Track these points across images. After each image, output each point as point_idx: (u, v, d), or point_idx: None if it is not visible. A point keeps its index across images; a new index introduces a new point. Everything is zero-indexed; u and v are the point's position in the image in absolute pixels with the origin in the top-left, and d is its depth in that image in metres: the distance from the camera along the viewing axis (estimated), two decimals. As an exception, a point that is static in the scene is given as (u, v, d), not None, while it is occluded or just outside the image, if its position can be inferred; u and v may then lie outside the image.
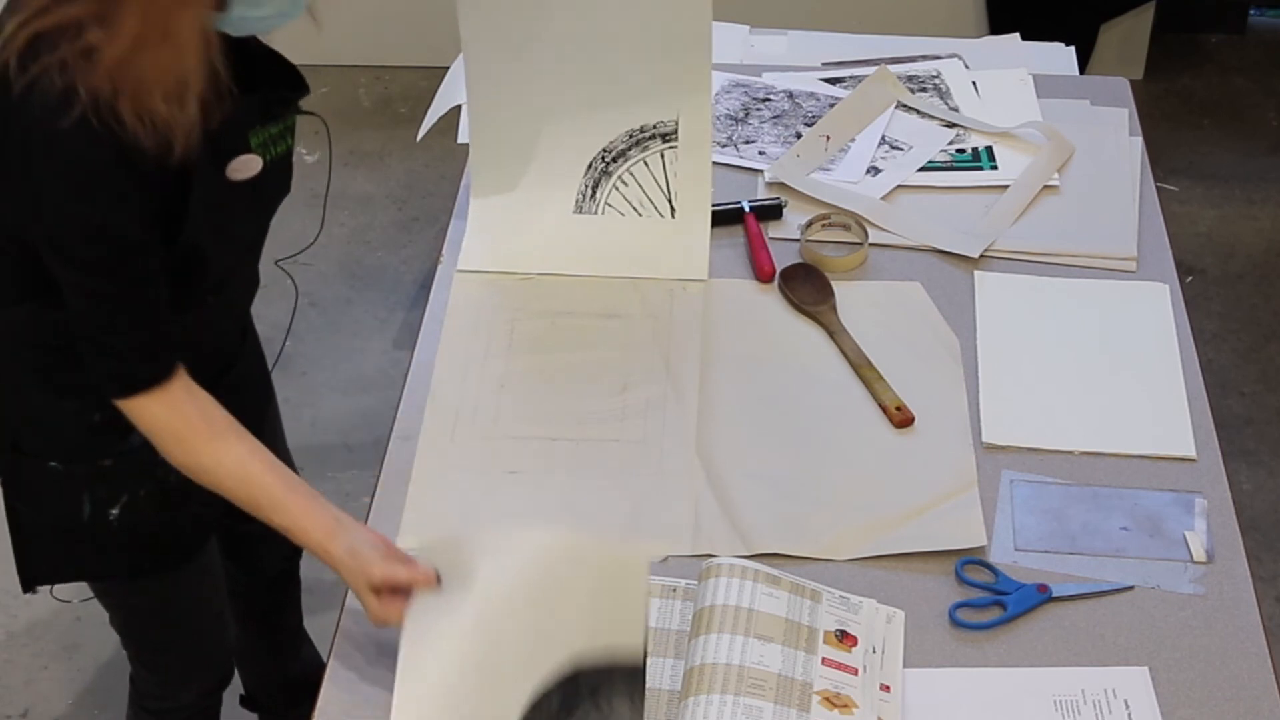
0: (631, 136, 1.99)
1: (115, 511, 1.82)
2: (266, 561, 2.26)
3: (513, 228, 1.97)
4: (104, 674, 2.77)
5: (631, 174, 1.96)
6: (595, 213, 1.93)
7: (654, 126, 1.99)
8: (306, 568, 2.37)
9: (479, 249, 2.00)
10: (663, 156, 1.97)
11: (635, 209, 1.93)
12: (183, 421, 1.67)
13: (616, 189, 1.94)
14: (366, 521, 1.82)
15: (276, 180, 1.76)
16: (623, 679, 1.57)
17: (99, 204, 1.54)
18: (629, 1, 2.05)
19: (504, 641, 1.56)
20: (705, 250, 2.00)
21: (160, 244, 1.61)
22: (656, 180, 1.93)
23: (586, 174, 1.93)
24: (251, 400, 1.99)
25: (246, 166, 1.67)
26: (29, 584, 1.92)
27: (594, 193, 1.92)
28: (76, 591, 1.98)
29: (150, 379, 1.64)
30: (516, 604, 1.59)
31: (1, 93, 1.51)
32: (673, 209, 1.96)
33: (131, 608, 2.00)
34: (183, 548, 1.93)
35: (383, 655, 1.67)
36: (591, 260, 1.93)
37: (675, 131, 2.00)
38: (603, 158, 1.95)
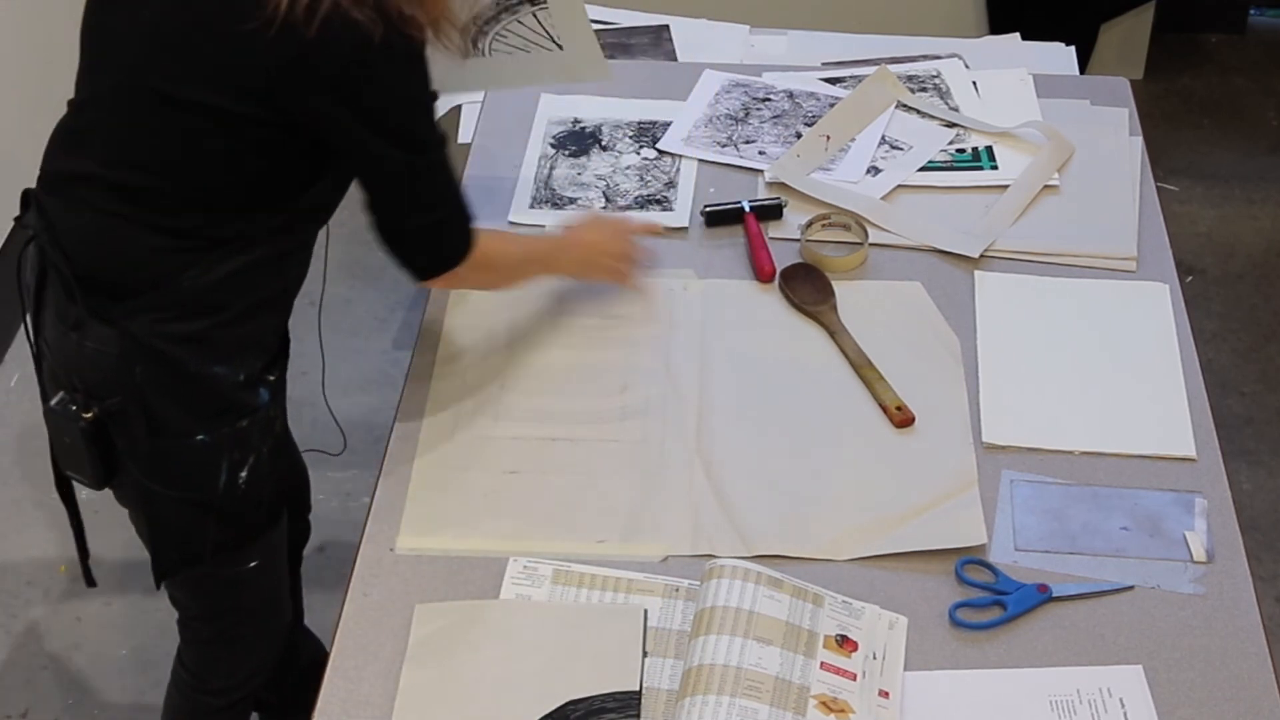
0: (499, 3, 2.04)
1: (244, 474, 1.88)
2: (293, 529, 2.28)
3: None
4: (104, 674, 2.77)
5: (508, 30, 2.03)
6: (484, 55, 2.01)
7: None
8: (305, 569, 2.37)
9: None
10: (535, 16, 2.03)
11: (521, 50, 2.02)
12: (484, 232, 1.90)
13: (498, 40, 2.00)
14: (366, 522, 1.82)
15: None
16: (613, 708, 1.58)
17: (429, 84, 1.75)
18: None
19: (501, 697, 1.60)
20: (597, 49, 2.10)
21: None
22: (535, 31, 2.01)
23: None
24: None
25: None
26: (163, 574, 1.96)
27: (475, 45, 1.99)
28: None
29: (473, 221, 1.87)
30: (516, 665, 1.63)
31: (290, 41, 1.64)
32: (559, 45, 2.06)
33: (226, 582, 2.02)
34: (278, 509, 2.01)
35: (383, 655, 1.67)
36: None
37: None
38: (474, 23, 2.02)
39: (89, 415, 1.81)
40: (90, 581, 2.09)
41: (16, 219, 1.87)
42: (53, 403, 1.84)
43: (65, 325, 1.81)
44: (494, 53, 2.04)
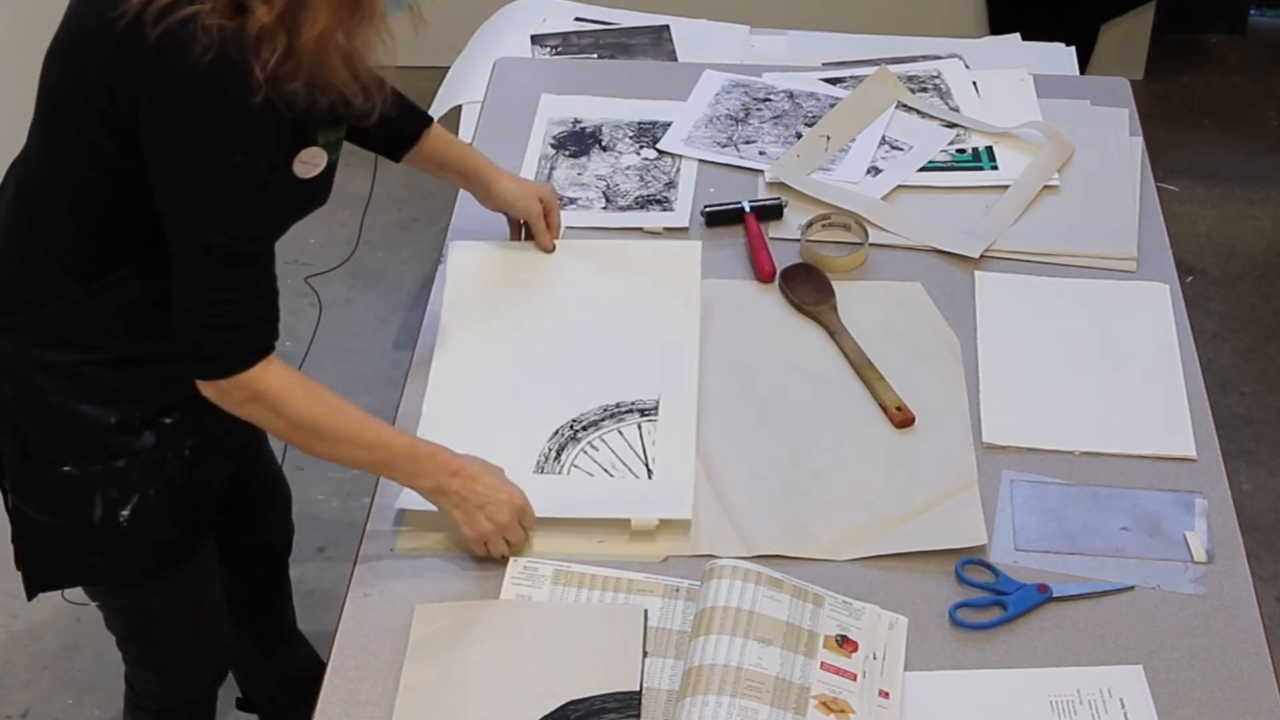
0: (606, 410, 1.97)
1: (125, 513, 1.82)
2: (258, 564, 2.28)
3: None
4: (104, 674, 2.77)
5: (604, 440, 1.93)
6: (559, 474, 1.89)
7: (632, 403, 1.98)
8: (304, 569, 2.37)
9: (421, 502, 1.81)
10: (640, 428, 1.94)
11: (605, 470, 1.90)
12: (297, 376, 1.71)
13: (585, 453, 1.90)
14: (366, 522, 1.82)
15: (323, 188, 1.80)
16: (613, 708, 1.58)
17: (247, 145, 1.58)
18: (621, 287, 2.11)
19: (501, 698, 1.60)
20: (689, 493, 1.83)
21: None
22: (631, 446, 1.90)
23: (552, 439, 1.91)
24: None
25: (313, 160, 1.71)
26: (34, 590, 1.91)
27: (559, 455, 1.90)
28: (80, 593, 1.98)
29: (270, 343, 1.68)
30: (516, 665, 1.63)
31: (135, 39, 1.54)
32: (649, 471, 1.86)
33: (133, 609, 2.00)
34: (185, 547, 1.94)
35: (383, 655, 1.67)
36: (554, 513, 1.84)
37: (655, 409, 1.94)
38: (571, 425, 1.93)
39: None
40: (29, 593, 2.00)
41: None
42: None
43: None
44: (574, 470, 1.86)
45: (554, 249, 2.17)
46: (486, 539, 1.75)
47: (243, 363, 1.67)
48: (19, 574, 1.91)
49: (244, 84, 1.54)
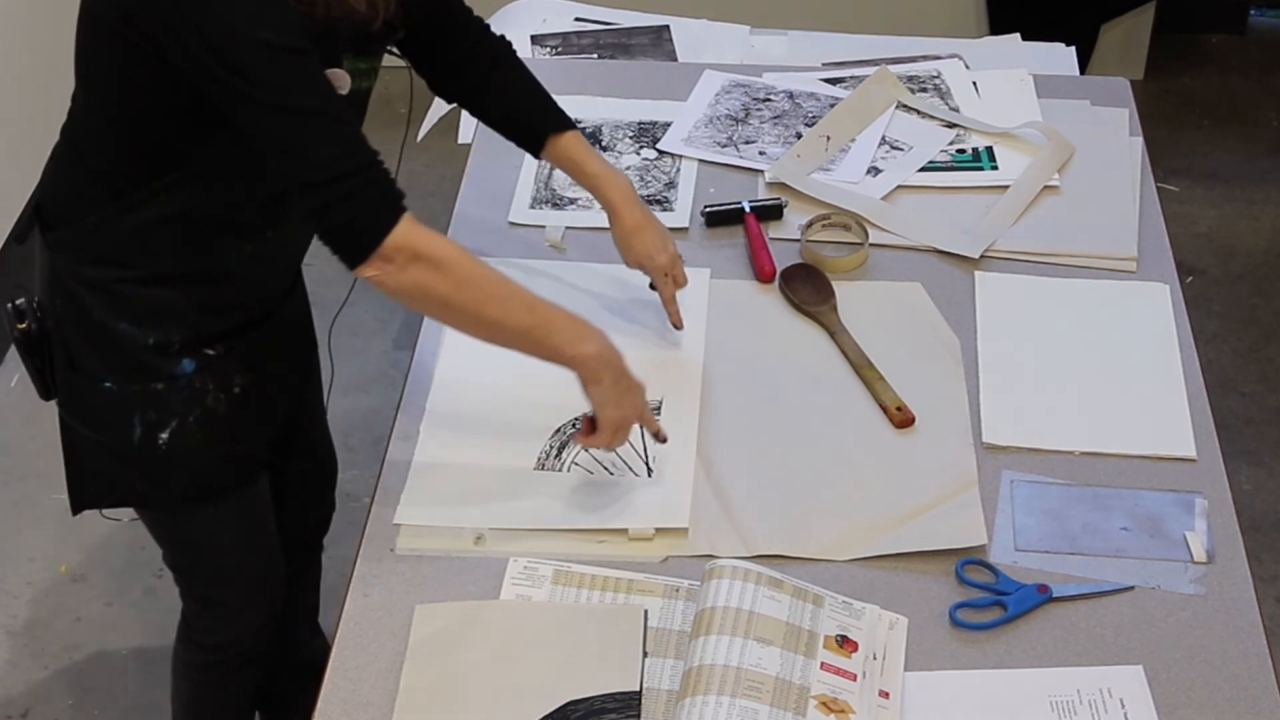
0: None
1: (164, 436, 1.86)
2: (296, 527, 2.28)
3: (461, 481, 1.92)
4: (104, 674, 2.77)
5: None
6: (560, 470, 1.90)
7: None
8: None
9: (420, 502, 1.84)
10: (641, 428, 1.93)
11: (606, 468, 1.91)
12: (440, 235, 1.68)
13: (586, 451, 1.91)
14: (366, 522, 1.82)
15: (353, 112, 1.81)
16: (613, 708, 1.58)
17: (269, 19, 1.57)
18: (627, 291, 2.11)
19: (501, 698, 1.60)
20: (687, 499, 1.83)
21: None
22: (632, 444, 1.90)
23: (553, 436, 1.92)
24: (300, 342, 2.10)
25: (337, 81, 1.71)
26: (79, 506, 1.97)
27: (559, 453, 1.90)
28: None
29: (402, 196, 1.66)
30: (516, 665, 1.63)
31: None
32: (649, 470, 1.87)
33: (179, 539, 2.04)
34: (226, 481, 1.98)
35: (383, 655, 1.67)
36: (552, 514, 1.81)
37: (658, 409, 1.94)
38: (574, 424, 1.93)
39: (22, 326, 1.87)
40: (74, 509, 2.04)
41: None
42: (9, 304, 1.89)
43: (15, 236, 1.89)
44: (574, 468, 1.87)
45: (681, 326, 2.06)
46: (622, 425, 1.75)
47: (391, 218, 1.64)
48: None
49: None
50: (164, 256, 1.80)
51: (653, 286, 2.07)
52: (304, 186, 1.63)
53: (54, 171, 1.85)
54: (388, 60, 1.95)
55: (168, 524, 2.03)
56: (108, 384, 1.85)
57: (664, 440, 1.84)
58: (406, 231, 1.65)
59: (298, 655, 2.43)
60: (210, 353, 1.86)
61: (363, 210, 1.64)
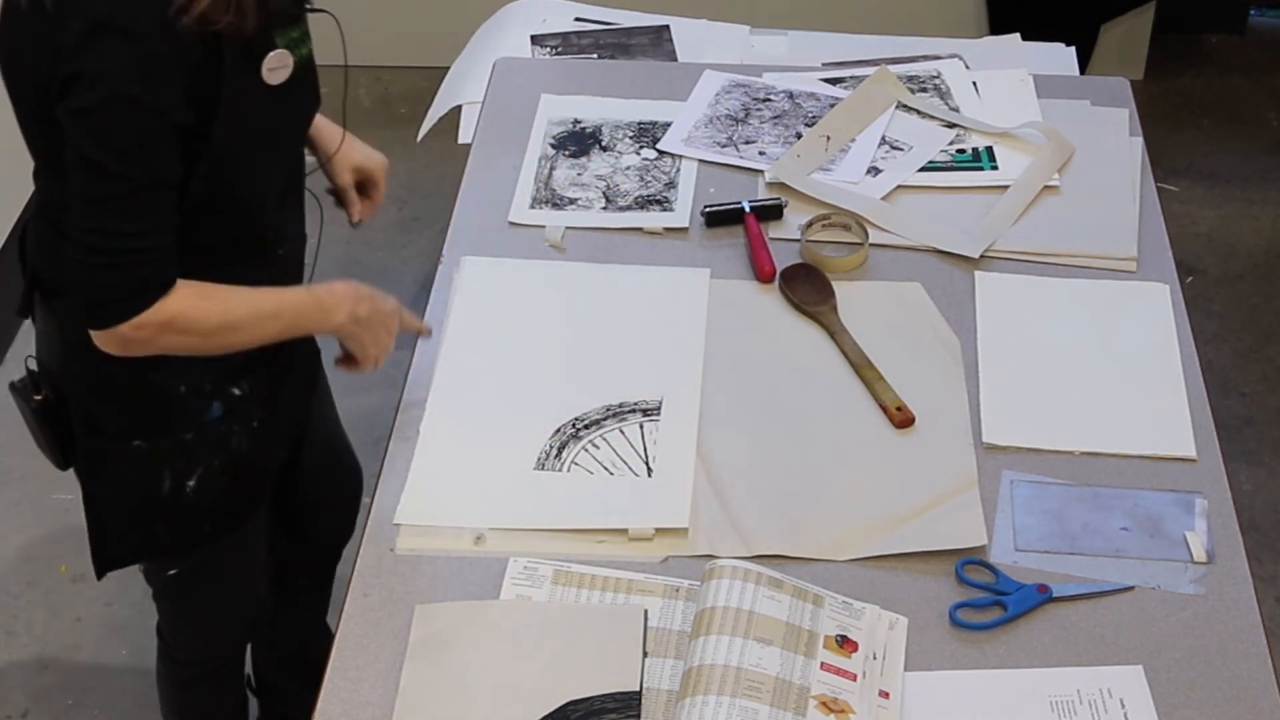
0: (609, 410, 1.97)
1: (192, 484, 1.87)
2: (322, 533, 2.30)
3: (461, 481, 1.94)
4: (104, 674, 2.77)
5: (605, 439, 1.94)
6: (559, 470, 1.89)
7: (635, 404, 1.98)
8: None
9: (420, 502, 1.84)
10: (641, 428, 1.95)
11: (605, 468, 1.90)
12: (189, 288, 1.69)
13: (586, 450, 1.91)
14: (366, 522, 1.83)
15: (307, 86, 1.80)
16: (613, 708, 1.58)
17: (149, 78, 1.56)
18: (630, 298, 2.12)
19: (501, 698, 1.60)
20: (687, 499, 1.83)
21: (191, 138, 1.63)
22: (632, 445, 1.92)
23: (553, 436, 1.92)
24: (307, 355, 2.07)
25: (280, 64, 1.70)
26: (104, 568, 1.96)
27: (559, 453, 1.91)
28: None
29: (173, 277, 1.66)
30: (516, 665, 1.63)
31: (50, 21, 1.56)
32: (649, 470, 1.87)
33: (185, 574, 2.03)
34: (241, 516, 1.98)
35: (383, 655, 1.67)
36: (552, 513, 1.81)
37: (658, 409, 1.95)
38: (573, 424, 1.94)
39: (38, 398, 1.85)
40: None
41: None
42: (16, 380, 1.88)
43: (25, 308, 1.87)
44: (574, 468, 1.87)
45: (359, 221, 2.12)
46: (381, 357, 1.88)
47: (152, 297, 1.64)
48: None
49: (149, 18, 1.55)
50: None
51: (334, 193, 2.09)
52: (84, 238, 1.62)
53: (44, 246, 1.80)
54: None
55: (176, 565, 2.01)
56: (136, 442, 1.84)
57: (428, 334, 1.98)
58: (160, 306, 1.65)
59: (306, 655, 2.42)
60: (236, 392, 1.86)
61: (123, 286, 1.64)
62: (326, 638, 2.44)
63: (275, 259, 1.86)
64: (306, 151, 1.96)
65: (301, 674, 2.43)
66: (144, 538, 1.93)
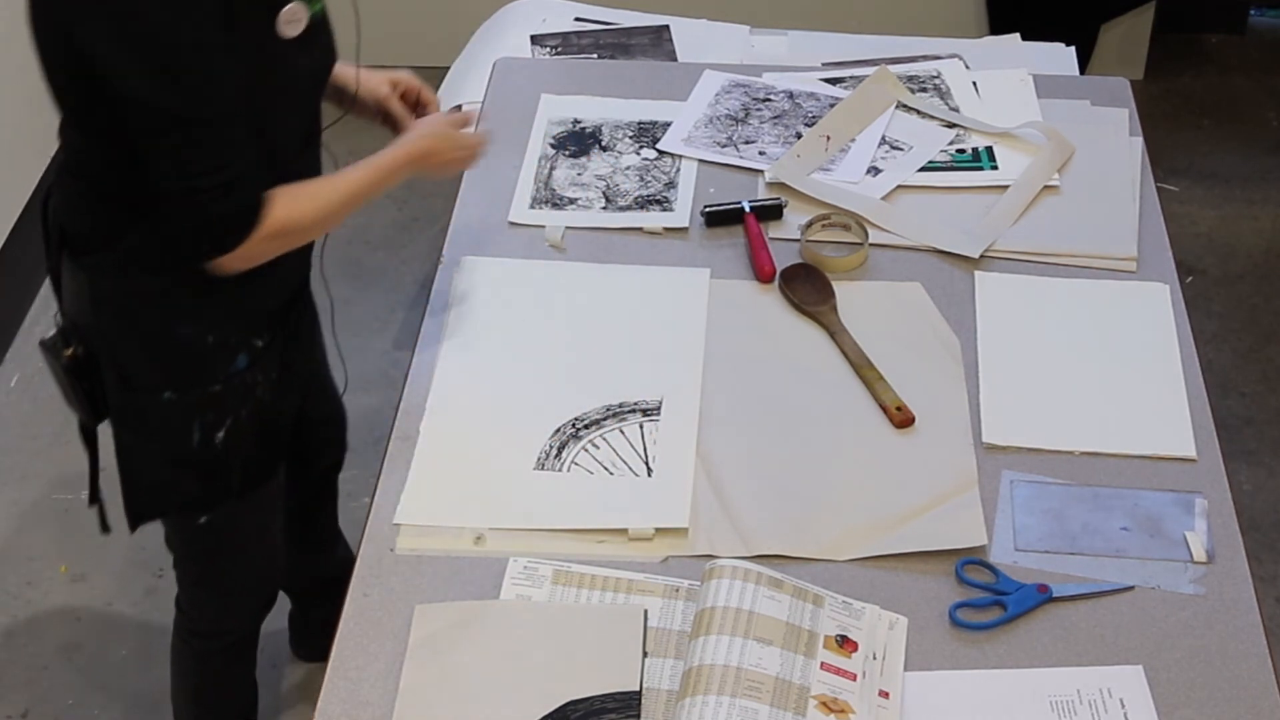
0: (609, 410, 1.97)
1: (220, 435, 1.92)
2: (320, 455, 2.38)
3: (461, 481, 1.89)
4: (104, 674, 2.77)
5: (605, 439, 1.94)
6: (559, 470, 1.88)
7: (635, 404, 1.99)
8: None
9: (420, 502, 1.84)
10: (641, 428, 1.95)
11: (605, 468, 1.88)
12: (286, 194, 1.80)
13: (586, 450, 1.92)
14: (366, 522, 1.82)
15: (323, 41, 1.87)
16: (613, 708, 1.58)
17: (172, 5, 1.63)
18: (630, 298, 2.12)
19: (501, 698, 1.61)
20: (687, 499, 1.84)
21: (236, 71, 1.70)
22: (632, 445, 1.92)
23: (553, 436, 1.92)
24: (309, 305, 2.16)
25: (294, 18, 1.76)
26: (137, 520, 2.00)
27: (559, 452, 1.91)
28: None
29: (265, 192, 1.76)
30: (516, 665, 1.63)
31: None
32: (649, 470, 1.87)
33: (206, 530, 2.06)
34: (268, 469, 2.04)
35: (383, 655, 1.67)
36: (552, 513, 1.82)
37: (658, 409, 1.95)
38: (573, 424, 1.94)
39: (69, 353, 1.88)
40: (104, 528, 2.11)
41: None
42: (45, 337, 1.92)
43: (54, 267, 1.90)
44: (574, 468, 1.88)
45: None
46: (465, 165, 2.06)
47: (254, 221, 1.75)
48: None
49: None
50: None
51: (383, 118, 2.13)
52: (177, 183, 1.71)
53: (71, 203, 1.85)
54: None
55: (208, 521, 2.04)
56: (167, 394, 1.88)
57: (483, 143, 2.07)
58: (267, 220, 1.77)
59: (323, 567, 2.51)
60: (258, 344, 1.92)
61: (230, 216, 1.75)
62: (342, 549, 2.56)
63: None
64: (328, 106, 2.03)
65: (322, 586, 2.52)
66: (175, 490, 1.98)
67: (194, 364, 1.88)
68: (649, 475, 1.87)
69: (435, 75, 3.33)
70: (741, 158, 2.40)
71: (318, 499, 2.48)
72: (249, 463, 2.00)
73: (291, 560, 2.45)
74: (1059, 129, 2.41)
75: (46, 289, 3.56)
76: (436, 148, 1.97)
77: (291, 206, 1.80)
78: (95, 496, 2.08)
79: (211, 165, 1.71)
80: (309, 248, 2.01)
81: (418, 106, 2.13)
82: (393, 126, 2.11)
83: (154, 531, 2.92)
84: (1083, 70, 3.39)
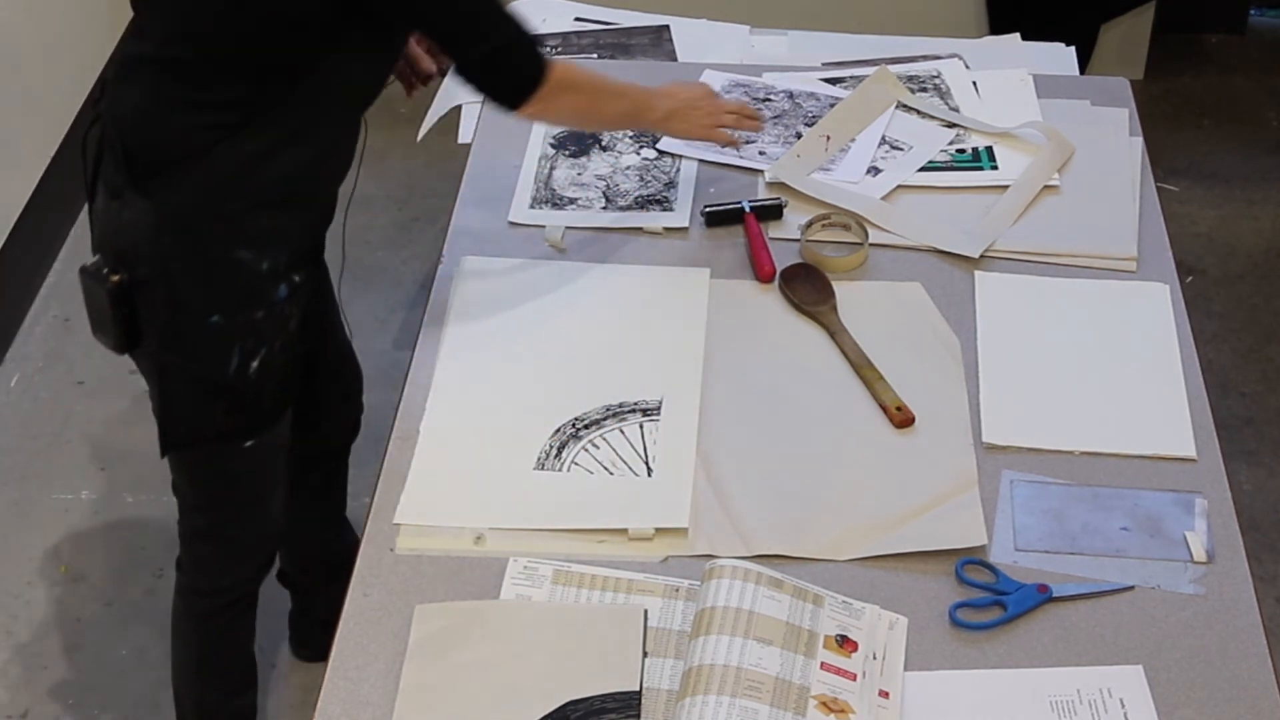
0: (609, 410, 1.98)
1: (255, 365, 1.99)
2: (331, 430, 2.42)
3: (461, 481, 1.88)
4: (104, 674, 2.77)
5: (605, 439, 1.95)
6: (559, 470, 1.89)
7: (635, 404, 1.99)
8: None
9: (420, 502, 1.84)
10: (641, 428, 1.96)
11: (605, 468, 1.89)
12: (569, 67, 2.04)
13: (586, 450, 1.92)
14: (366, 522, 1.82)
15: None
16: (613, 708, 1.58)
17: None
18: (630, 298, 2.13)
19: (501, 698, 1.61)
20: (687, 499, 1.84)
21: None
22: (632, 445, 1.92)
23: (553, 436, 1.92)
24: (324, 273, 2.25)
25: None
26: (169, 446, 2.06)
27: (559, 452, 1.92)
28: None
29: (538, 46, 1.97)
30: (516, 665, 1.63)
31: None
32: (649, 469, 1.88)
33: (220, 472, 2.12)
34: (284, 405, 2.10)
35: (383, 655, 1.67)
36: (552, 513, 1.82)
37: (658, 409, 1.95)
38: (573, 424, 1.95)
39: (116, 279, 1.93)
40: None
41: (94, 104, 2.02)
42: (88, 264, 1.96)
43: (109, 194, 1.94)
44: (574, 468, 1.88)
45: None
46: (711, 132, 2.24)
47: (540, 67, 1.95)
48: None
49: None
50: (279, 180, 1.91)
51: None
52: (472, 54, 1.92)
53: (150, 118, 1.90)
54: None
55: (222, 458, 2.09)
56: (214, 318, 1.95)
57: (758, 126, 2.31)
58: (553, 71, 1.96)
59: (330, 551, 2.52)
60: (296, 279, 1.99)
61: (520, 62, 1.95)
62: (348, 535, 2.56)
63: (349, 153, 2.03)
64: None
65: (326, 571, 2.53)
66: (206, 418, 2.03)
67: (244, 289, 1.95)
68: (649, 475, 1.87)
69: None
70: (741, 157, 2.40)
71: (331, 478, 2.52)
72: (274, 395, 2.05)
73: (299, 539, 2.50)
74: (1059, 129, 2.41)
75: (47, 289, 3.56)
76: (687, 109, 2.18)
77: (568, 66, 2.02)
78: None
79: (495, 22, 1.90)
80: (335, 201, 2.08)
81: (431, 56, 2.25)
82: (401, 77, 2.22)
83: (154, 532, 2.92)
84: (1083, 70, 3.38)
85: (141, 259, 1.93)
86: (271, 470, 2.17)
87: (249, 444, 2.07)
